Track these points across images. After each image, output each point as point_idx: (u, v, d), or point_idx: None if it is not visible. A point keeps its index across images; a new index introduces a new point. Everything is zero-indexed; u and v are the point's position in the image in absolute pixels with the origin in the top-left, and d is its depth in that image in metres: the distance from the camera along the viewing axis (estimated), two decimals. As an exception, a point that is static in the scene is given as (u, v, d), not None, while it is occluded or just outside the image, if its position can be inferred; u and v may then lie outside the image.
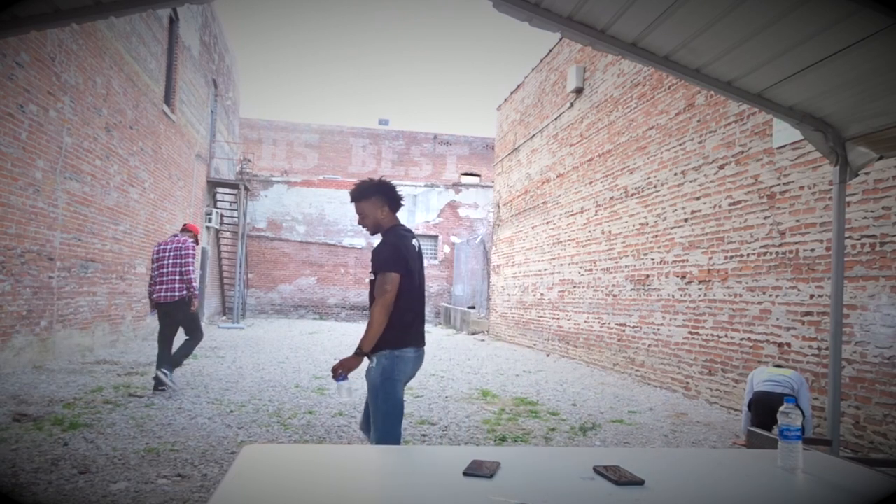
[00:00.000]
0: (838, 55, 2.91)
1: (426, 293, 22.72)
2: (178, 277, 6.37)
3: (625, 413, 6.51)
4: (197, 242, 6.75)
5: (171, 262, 6.39)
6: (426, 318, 22.65)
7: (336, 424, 5.42)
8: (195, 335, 6.64)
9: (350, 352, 3.09)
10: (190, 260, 6.40)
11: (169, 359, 6.44)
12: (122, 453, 4.22)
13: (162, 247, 6.57)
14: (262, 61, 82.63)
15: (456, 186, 23.72)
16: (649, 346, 8.73)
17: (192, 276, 6.40)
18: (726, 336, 7.07)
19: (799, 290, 6.04)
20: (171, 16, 13.23)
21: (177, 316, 6.48)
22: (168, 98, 13.24)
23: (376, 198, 3.15)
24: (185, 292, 6.37)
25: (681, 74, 3.52)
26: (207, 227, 17.50)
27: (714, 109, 7.56)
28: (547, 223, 13.02)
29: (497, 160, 17.30)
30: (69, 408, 5.55)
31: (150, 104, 11.88)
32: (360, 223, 3.23)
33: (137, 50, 11.06)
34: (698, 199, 7.77)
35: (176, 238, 6.61)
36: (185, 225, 6.99)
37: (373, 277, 3.10)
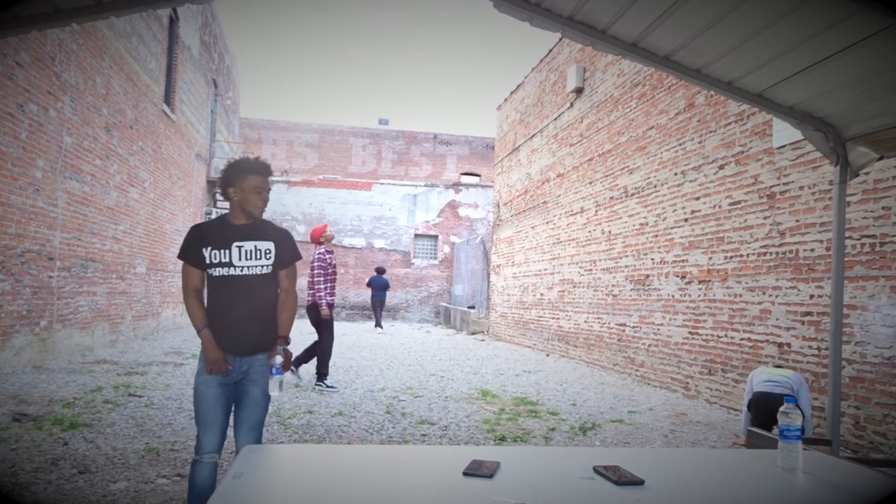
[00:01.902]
0: (839, 55, 2.91)
1: (427, 292, 22.79)
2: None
3: (625, 413, 6.51)
4: (324, 242, 7.60)
5: (309, 272, 7.51)
6: (425, 317, 22.67)
7: (336, 424, 5.42)
8: (321, 338, 7.58)
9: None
10: (317, 272, 7.39)
11: (299, 358, 7.47)
12: (122, 453, 4.23)
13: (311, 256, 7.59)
14: (262, 61, 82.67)
15: (456, 186, 23.71)
16: (649, 346, 8.73)
17: (319, 286, 7.40)
18: (726, 336, 7.07)
19: (799, 290, 6.04)
20: (171, 16, 13.23)
21: (311, 318, 7.55)
22: (168, 98, 13.24)
23: None
24: (312, 299, 7.46)
25: (681, 74, 3.52)
26: (207, 227, 17.50)
27: (714, 109, 7.55)
28: (547, 223, 13.02)
29: (497, 160, 17.30)
30: (69, 407, 5.55)
31: (149, 104, 11.88)
32: (264, 199, 2.90)
33: (137, 50, 11.06)
34: (698, 199, 7.77)
35: (316, 250, 7.54)
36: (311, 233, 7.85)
37: (269, 270, 2.87)
